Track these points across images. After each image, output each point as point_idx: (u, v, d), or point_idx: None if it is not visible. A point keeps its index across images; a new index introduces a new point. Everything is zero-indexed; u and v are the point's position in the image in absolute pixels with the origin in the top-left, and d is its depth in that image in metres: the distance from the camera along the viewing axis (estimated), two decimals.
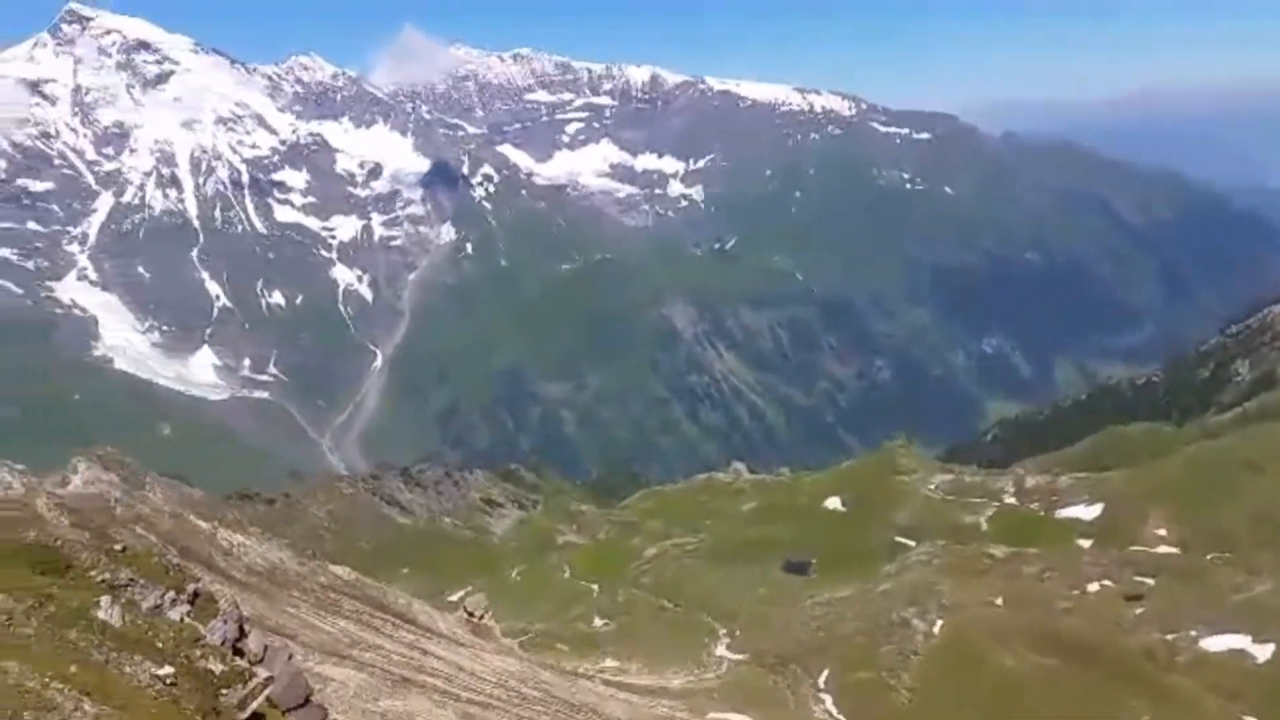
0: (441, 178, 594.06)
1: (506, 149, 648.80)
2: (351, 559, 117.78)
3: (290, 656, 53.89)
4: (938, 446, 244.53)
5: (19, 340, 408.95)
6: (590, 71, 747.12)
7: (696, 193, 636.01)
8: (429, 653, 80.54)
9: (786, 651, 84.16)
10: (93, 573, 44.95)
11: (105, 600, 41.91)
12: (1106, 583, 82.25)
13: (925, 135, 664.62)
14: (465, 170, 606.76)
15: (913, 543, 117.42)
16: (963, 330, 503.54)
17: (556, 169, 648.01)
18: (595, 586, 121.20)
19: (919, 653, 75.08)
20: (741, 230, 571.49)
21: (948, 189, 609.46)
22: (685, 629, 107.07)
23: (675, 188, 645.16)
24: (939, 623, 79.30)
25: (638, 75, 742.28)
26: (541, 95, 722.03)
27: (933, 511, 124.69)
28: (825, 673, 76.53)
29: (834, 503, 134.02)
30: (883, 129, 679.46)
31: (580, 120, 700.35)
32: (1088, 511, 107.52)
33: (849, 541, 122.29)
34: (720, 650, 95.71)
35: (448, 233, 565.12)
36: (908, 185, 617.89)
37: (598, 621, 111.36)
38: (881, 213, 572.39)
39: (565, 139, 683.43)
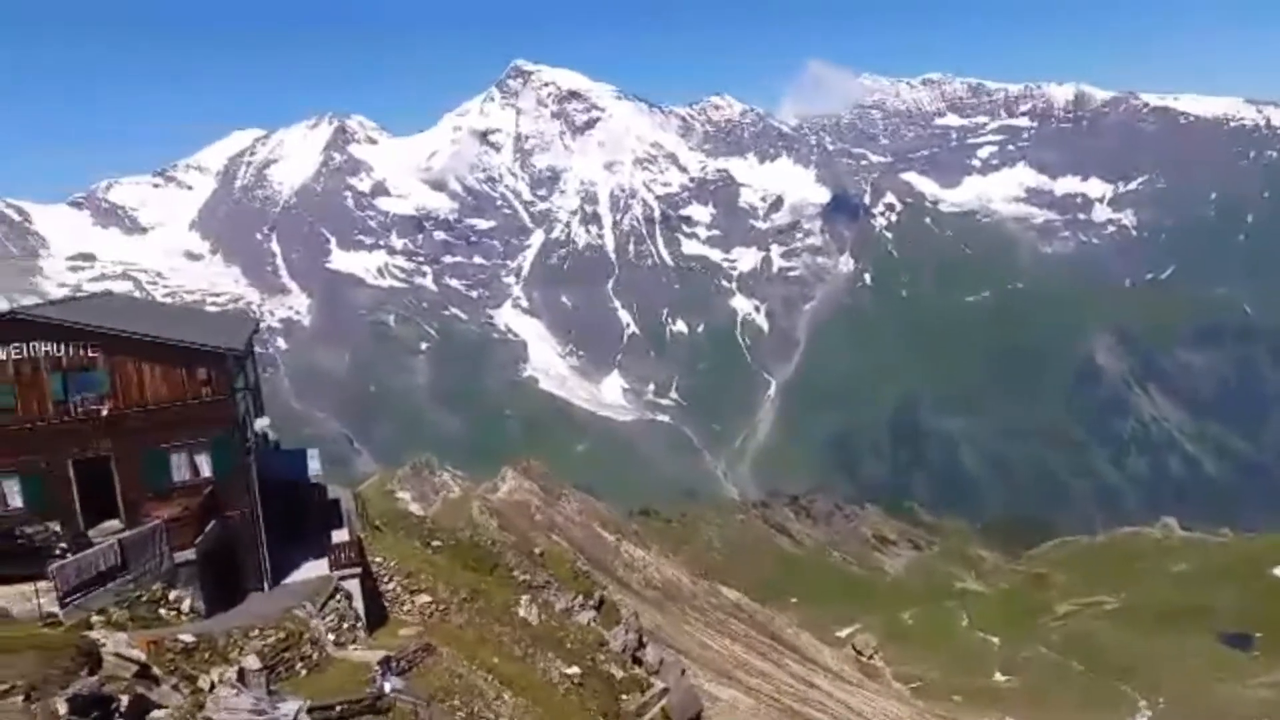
0: (842, 208, 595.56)
1: (911, 176, 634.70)
2: (740, 582, 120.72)
3: (684, 671, 55.67)
4: None
5: (465, 361, 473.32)
6: (1007, 92, 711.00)
7: (1126, 218, 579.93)
8: (816, 686, 79.75)
9: None
10: (516, 572, 49.49)
11: (525, 599, 45.90)
12: None
13: None
14: (866, 200, 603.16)
15: None
16: None
17: (965, 195, 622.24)
18: (996, 639, 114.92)
19: None
20: (1180, 258, 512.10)
21: None
22: (1098, 696, 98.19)
23: (1101, 212, 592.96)
24: None
25: (1060, 94, 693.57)
26: (952, 119, 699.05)
27: None
28: None
29: None
30: None
31: (994, 144, 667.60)
32: None
33: None
34: None
35: (846, 263, 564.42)
36: None
37: (998, 676, 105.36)
38: None
39: (976, 163, 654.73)
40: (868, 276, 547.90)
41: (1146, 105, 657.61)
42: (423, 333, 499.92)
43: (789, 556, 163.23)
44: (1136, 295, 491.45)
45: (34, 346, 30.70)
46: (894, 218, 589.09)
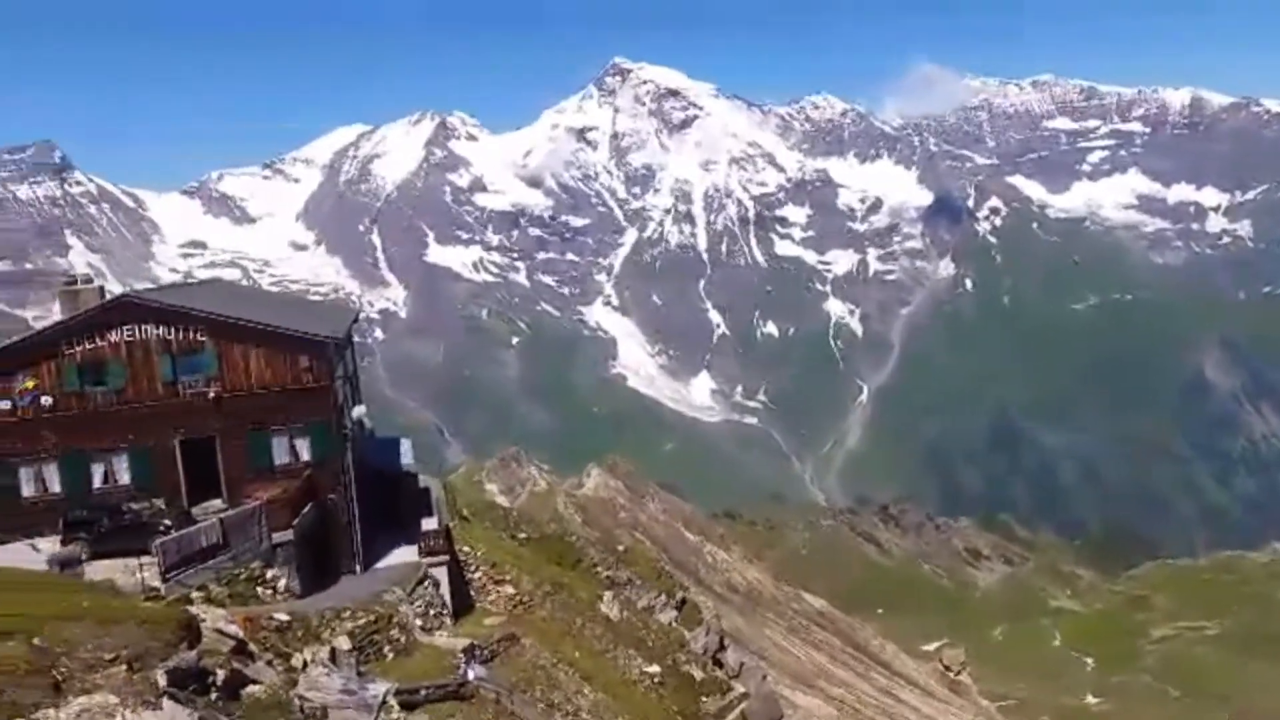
0: (944, 211, 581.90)
1: (1018, 180, 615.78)
2: (825, 590, 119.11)
3: (765, 677, 55.20)
4: None
5: (555, 356, 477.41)
6: (1120, 96, 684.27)
7: (1243, 228, 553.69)
8: (901, 700, 78.24)
9: None
10: (599, 568, 49.75)
11: (608, 595, 46.08)
12: None
13: None
14: (970, 203, 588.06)
15: None
16: None
17: (1074, 201, 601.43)
18: (1090, 660, 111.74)
19: None
20: None
21: None
22: None
23: (1216, 222, 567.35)
24: None
25: (1176, 98, 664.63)
26: (1062, 123, 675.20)
27: None
28: None
29: None
30: None
31: (1105, 149, 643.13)
32: None
33: None
34: None
35: (946, 268, 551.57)
36: None
37: (1090, 698, 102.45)
38: None
39: (1086, 168, 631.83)
40: (969, 282, 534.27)
41: (1268, 111, 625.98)
42: (514, 327, 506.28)
43: (876, 566, 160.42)
44: (1250, 309, 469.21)
45: (145, 329, 32.04)
46: (998, 222, 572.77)
